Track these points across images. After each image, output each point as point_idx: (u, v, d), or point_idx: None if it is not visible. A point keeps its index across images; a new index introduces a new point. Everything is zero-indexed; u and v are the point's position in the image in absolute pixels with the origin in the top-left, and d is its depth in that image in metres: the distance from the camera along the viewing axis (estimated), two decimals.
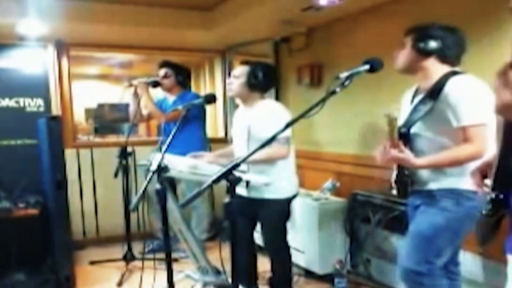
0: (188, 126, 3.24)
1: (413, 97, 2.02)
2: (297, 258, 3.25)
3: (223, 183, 1.58)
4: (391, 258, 2.91)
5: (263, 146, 1.63)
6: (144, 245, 3.23)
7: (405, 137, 1.90)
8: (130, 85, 3.63)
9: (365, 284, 3.07)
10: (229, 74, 2.66)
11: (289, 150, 2.50)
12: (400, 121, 2.01)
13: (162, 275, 2.41)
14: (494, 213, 1.31)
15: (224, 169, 1.57)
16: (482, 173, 1.50)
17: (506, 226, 1.36)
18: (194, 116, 3.53)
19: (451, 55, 1.90)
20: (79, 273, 3.38)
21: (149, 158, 2.43)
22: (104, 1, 3.43)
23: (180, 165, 2.43)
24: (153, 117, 3.81)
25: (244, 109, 2.66)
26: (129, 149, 3.47)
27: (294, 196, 2.61)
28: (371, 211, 2.98)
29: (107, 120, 6.37)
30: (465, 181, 1.73)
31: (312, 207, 3.19)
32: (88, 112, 6.86)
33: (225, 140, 4.81)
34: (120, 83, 6.75)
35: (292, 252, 2.73)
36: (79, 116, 6.26)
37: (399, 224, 2.68)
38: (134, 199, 2.14)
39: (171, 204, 2.58)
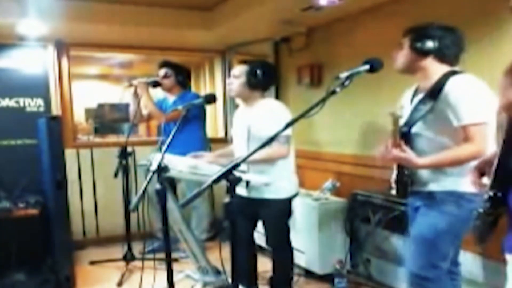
0: (188, 126, 3.24)
1: (413, 96, 2.02)
2: (297, 258, 3.25)
3: (223, 183, 1.58)
4: (391, 258, 2.92)
5: (263, 146, 1.63)
6: (144, 245, 3.23)
7: (406, 137, 1.90)
8: (130, 85, 3.63)
9: (365, 284, 3.07)
10: (229, 74, 2.66)
11: (289, 149, 2.50)
12: (400, 121, 2.01)
13: (162, 275, 2.41)
14: (492, 212, 1.32)
15: (224, 169, 1.57)
16: (480, 171, 1.50)
17: (503, 225, 1.36)
18: (194, 116, 3.53)
19: (450, 54, 1.90)
20: (79, 273, 3.38)
21: (149, 158, 2.43)
22: (104, 1, 3.43)
23: (180, 165, 2.43)
24: (153, 117, 3.81)
25: (244, 109, 2.66)
26: (129, 149, 3.47)
27: (294, 196, 2.61)
28: (371, 211, 2.99)
29: (107, 120, 6.38)
30: (465, 182, 1.73)
31: (312, 207, 3.19)
32: (88, 112, 6.87)
33: (225, 140, 4.81)
34: (120, 83, 6.75)
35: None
36: (79, 116, 6.26)
37: (399, 224, 2.69)
38: (134, 199, 2.13)
39: (171, 204, 2.59)
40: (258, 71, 2.49)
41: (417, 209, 2.01)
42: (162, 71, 3.72)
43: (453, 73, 1.86)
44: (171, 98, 3.79)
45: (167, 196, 2.24)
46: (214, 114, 5.12)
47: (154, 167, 2.17)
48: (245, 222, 2.63)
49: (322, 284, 3.14)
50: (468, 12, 2.46)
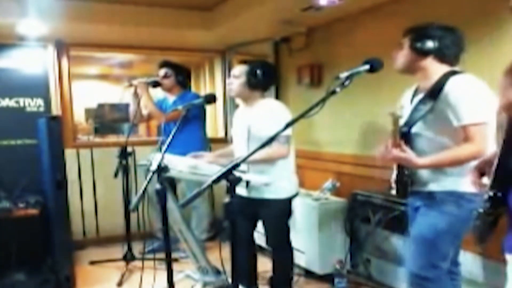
0: (188, 126, 3.24)
1: (413, 96, 2.02)
2: (297, 258, 3.25)
3: (223, 183, 1.58)
4: (391, 258, 2.92)
5: (263, 146, 1.63)
6: (144, 245, 3.23)
7: (406, 137, 1.90)
8: (130, 85, 3.63)
9: (365, 284, 3.07)
10: (229, 74, 2.66)
11: (289, 149, 2.50)
12: (400, 121, 2.01)
13: (162, 275, 2.41)
14: (492, 212, 1.32)
15: (224, 169, 1.57)
16: (480, 171, 1.50)
17: (503, 225, 1.36)
18: (194, 116, 3.53)
19: (450, 54, 1.90)
20: (79, 273, 3.38)
21: (149, 158, 2.43)
22: (104, 1, 3.43)
23: (180, 165, 2.43)
24: (153, 117, 3.81)
25: (244, 109, 2.66)
26: (129, 149, 3.47)
27: (294, 196, 2.61)
28: (371, 211, 2.99)
29: (107, 120, 6.38)
30: (465, 182, 1.73)
31: (312, 207, 3.19)
32: (88, 112, 6.87)
33: (225, 140, 4.81)
34: (120, 83, 6.75)
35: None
36: (79, 116, 6.26)
37: (399, 224, 2.69)
38: (134, 199, 2.14)
39: (171, 204, 2.59)
40: (258, 71, 2.49)
41: (417, 209, 2.01)
42: (162, 71, 3.72)
43: (453, 73, 1.86)
44: (171, 98, 3.79)
45: (167, 196, 2.24)
46: (214, 114, 5.12)
47: (154, 167, 2.17)
48: (245, 222, 2.63)
49: (322, 284, 3.14)
50: (468, 12, 2.46)
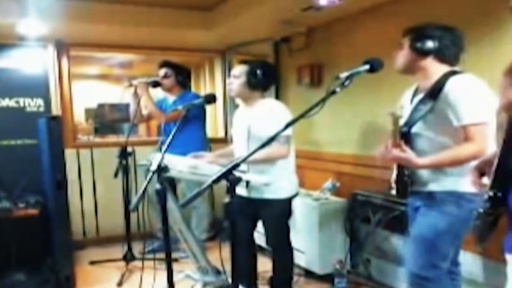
0: (188, 126, 3.24)
1: (413, 96, 2.02)
2: (297, 258, 3.25)
3: (223, 183, 1.58)
4: (391, 258, 2.92)
5: (263, 146, 1.63)
6: (144, 245, 3.23)
7: (406, 137, 1.90)
8: (130, 85, 3.63)
9: (365, 284, 3.07)
10: (229, 74, 2.66)
11: (289, 149, 2.50)
12: (400, 121, 2.01)
13: (162, 275, 2.41)
14: (492, 212, 1.32)
15: (224, 169, 1.57)
16: (480, 171, 1.50)
17: (503, 225, 1.36)
18: (194, 116, 3.53)
19: (450, 54, 1.90)
20: (79, 273, 3.38)
21: (149, 158, 2.43)
22: (104, 1, 3.43)
23: (180, 165, 2.43)
24: (153, 117, 3.81)
25: (244, 109, 2.66)
26: (129, 149, 3.46)
27: (294, 196, 2.61)
28: (371, 211, 2.99)
29: (107, 120, 6.38)
30: (465, 182, 1.73)
31: (312, 207, 3.19)
32: (88, 112, 6.86)
33: (225, 140, 4.81)
34: (120, 83, 6.75)
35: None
36: (79, 116, 6.26)
37: (399, 224, 2.69)
38: (134, 199, 2.14)
39: (171, 204, 2.59)
40: (258, 71, 2.49)
41: (417, 209, 2.01)
42: (162, 71, 3.72)
43: (453, 73, 1.86)
44: (171, 98, 3.79)
45: (167, 196, 2.24)
46: (214, 114, 5.12)
47: (154, 167, 2.17)
48: (245, 222, 2.63)
49: (322, 284, 3.14)
50: (468, 12, 2.46)
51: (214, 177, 1.56)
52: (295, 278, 3.09)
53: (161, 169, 2.17)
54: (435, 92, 1.85)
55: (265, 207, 2.54)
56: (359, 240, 3.13)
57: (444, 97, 1.81)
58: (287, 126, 1.68)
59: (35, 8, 3.16)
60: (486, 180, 1.44)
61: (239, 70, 2.55)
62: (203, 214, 3.90)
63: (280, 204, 2.55)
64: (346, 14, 3.32)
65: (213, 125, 5.16)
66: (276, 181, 2.42)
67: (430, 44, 1.87)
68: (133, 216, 3.36)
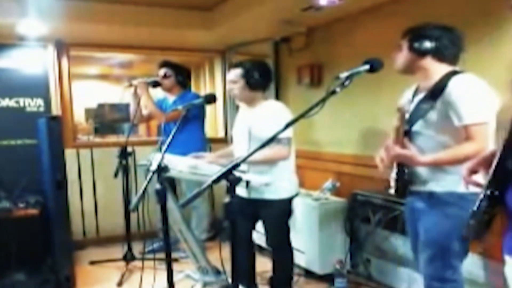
0: (188, 126, 3.24)
1: (413, 96, 2.02)
2: (297, 258, 3.24)
3: (223, 183, 1.58)
4: (391, 258, 2.92)
5: (262, 146, 1.63)
6: (144, 245, 3.23)
7: (406, 135, 1.90)
8: (130, 85, 3.63)
9: (365, 284, 3.07)
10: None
11: (290, 151, 2.50)
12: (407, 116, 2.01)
13: (162, 275, 2.41)
14: (489, 211, 1.31)
15: (224, 169, 1.57)
16: (473, 170, 1.49)
17: (499, 224, 1.36)
18: (194, 116, 3.53)
19: (449, 54, 1.90)
20: (79, 273, 3.38)
21: (149, 158, 2.43)
22: (104, 1, 3.43)
23: (180, 165, 2.43)
24: (153, 117, 3.81)
25: (246, 110, 2.66)
26: (129, 149, 3.47)
27: (294, 196, 2.61)
28: (371, 211, 2.99)
29: (107, 120, 6.37)
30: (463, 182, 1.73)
31: (312, 207, 3.19)
32: (88, 112, 6.86)
33: (225, 140, 4.81)
34: (120, 83, 6.75)
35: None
36: (79, 116, 6.26)
37: (399, 224, 2.69)
38: (134, 199, 2.14)
39: (171, 204, 2.59)
40: (254, 72, 2.49)
41: (416, 210, 2.00)
42: (162, 71, 3.72)
43: (455, 72, 1.86)
44: (171, 98, 3.79)
45: (167, 196, 2.24)
46: (214, 114, 5.12)
47: (154, 167, 2.17)
48: (244, 222, 2.63)
49: (322, 284, 3.14)
50: (468, 12, 2.46)
51: (214, 177, 1.56)
52: (295, 278, 3.09)
53: (161, 169, 2.17)
54: (436, 91, 1.84)
55: (265, 207, 2.54)
56: (359, 240, 3.13)
57: (446, 97, 1.81)
58: (287, 126, 1.68)
59: (35, 8, 3.16)
60: (479, 179, 1.44)
61: (235, 75, 2.53)
62: (203, 214, 3.90)
63: (280, 204, 2.55)
64: (346, 14, 3.32)
65: (213, 125, 5.16)
66: (276, 181, 2.42)
67: (428, 44, 1.87)
68: (133, 216, 3.35)
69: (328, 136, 3.72)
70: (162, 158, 2.15)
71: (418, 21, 1.95)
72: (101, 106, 6.50)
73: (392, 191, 2.01)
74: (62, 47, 4.05)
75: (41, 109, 3.98)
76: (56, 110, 4.03)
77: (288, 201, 2.58)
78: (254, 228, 2.74)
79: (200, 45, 4.58)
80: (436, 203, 1.90)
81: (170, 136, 2.15)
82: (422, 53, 1.89)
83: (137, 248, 3.60)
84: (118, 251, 3.68)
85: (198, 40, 4.30)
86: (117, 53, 4.94)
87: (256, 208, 2.56)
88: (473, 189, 1.54)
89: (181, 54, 4.77)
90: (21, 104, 3.93)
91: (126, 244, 3.60)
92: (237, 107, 2.88)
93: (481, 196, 1.33)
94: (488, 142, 1.74)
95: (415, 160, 1.80)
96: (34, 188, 3.41)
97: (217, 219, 4.36)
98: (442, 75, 1.87)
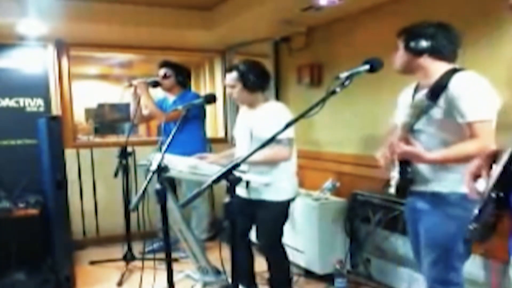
0: (188, 126, 3.23)
1: (414, 93, 2.01)
2: (297, 258, 3.25)
3: (223, 183, 1.58)
4: (391, 258, 2.92)
5: (262, 146, 1.63)
6: (144, 245, 3.23)
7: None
8: (130, 85, 3.63)
9: (365, 284, 3.07)
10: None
11: (291, 152, 2.48)
12: (397, 119, 2.01)
13: (162, 275, 2.40)
14: (495, 213, 1.31)
15: (224, 169, 1.57)
16: (475, 174, 1.48)
17: (503, 226, 1.35)
18: (194, 116, 3.53)
19: (446, 51, 1.88)
20: (79, 273, 3.38)
21: (149, 158, 2.43)
22: (104, 1, 3.43)
23: (180, 165, 2.43)
24: (154, 117, 3.81)
25: (247, 111, 2.66)
26: (129, 149, 3.47)
27: (293, 199, 2.60)
28: (371, 211, 2.99)
29: (107, 120, 6.37)
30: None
31: (312, 207, 3.19)
32: (88, 112, 6.86)
33: (225, 140, 4.81)
34: (120, 83, 6.75)
35: (292, 252, 2.72)
36: (79, 116, 6.25)
37: (399, 224, 2.69)
38: (134, 199, 2.14)
39: (171, 204, 2.59)
40: (250, 75, 2.48)
41: (417, 210, 1.99)
42: (162, 71, 3.72)
43: (455, 70, 1.85)
44: (171, 98, 3.79)
45: (167, 196, 2.24)
46: (214, 114, 5.12)
47: (154, 167, 2.17)
48: (244, 221, 2.62)
49: (322, 284, 3.14)
50: (468, 12, 2.46)
51: (214, 177, 1.56)
52: (295, 278, 3.10)
53: (161, 169, 2.17)
54: (439, 89, 1.83)
55: (263, 208, 2.53)
56: (359, 240, 3.13)
57: (449, 94, 1.79)
58: (287, 126, 1.68)
59: (35, 8, 3.16)
60: (480, 185, 1.43)
61: (231, 79, 2.53)
62: (203, 214, 3.90)
63: (278, 207, 2.53)
64: (346, 14, 3.32)
65: (213, 125, 5.16)
66: (276, 181, 2.42)
67: (424, 43, 1.86)
68: (133, 216, 3.36)
69: (328, 136, 3.72)
70: (162, 158, 2.15)
71: (418, 21, 1.95)
72: (101, 106, 6.50)
73: (392, 190, 1.98)
74: (62, 47, 4.05)
75: (41, 109, 3.98)
76: (56, 110, 4.03)
77: (286, 204, 2.56)
78: (251, 228, 2.73)
79: (200, 45, 4.58)
80: (438, 203, 1.88)
81: (170, 136, 2.15)
82: (419, 52, 1.88)
83: (137, 248, 3.60)
84: (118, 251, 3.68)
85: (198, 40, 4.30)
86: (117, 53, 4.94)
87: (254, 209, 2.56)
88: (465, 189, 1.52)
89: (181, 54, 4.77)
90: (21, 104, 3.93)
91: (126, 244, 3.60)
92: (237, 108, 2.88)
93: (484, 198, 1.33)
94: (492, 140, 1.73)
95: (423, 157, 1.77)
96: (34, 188, 3.41)
97: (217, 219, 4.36)
98: (442, 73, 1.86)
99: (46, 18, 3.32)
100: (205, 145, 3.77)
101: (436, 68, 1.88)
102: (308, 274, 3.26)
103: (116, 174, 3.38)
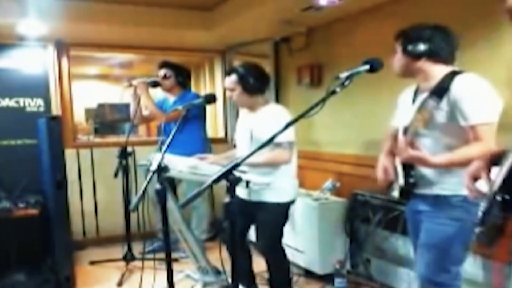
0: (188, 126, 3.23)
1: (414, 96, 2.00)
2: (297, 258, 3.25)
3: (223, 183, 1.58)
4: (391, 258, 2.92)
5: (262, 147, 1.63)
6: (144, 245, 3.23)
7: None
8: (130, 85, 3.63)
9: (365, 284, 3.07)
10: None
11: (292, 155, 2.48)
12: (397, 121, 2.01)
13: (162, 275, 2.40)
14: (502, 215, 1.30)
15: (224, 169, 1.57)
16: (474, 176, 1.47)
17: (510, 228, 1.35)
18: (194, 116, 3.53)
19: (444, 54, 1.88)
20: (79, 273, 3.38)
21: (149, 158, 2.43)
22: (104, 1, 3.43)
23: (180, 165, 2.43)
24: (154, 117, 3.81)
25: (247, 113, 2.66)
26: (129, 149, 3.47)
27: (293, 201, 2.59)
28: (371, 211, 2.99)
29: (107, 120, 6.38)
30: None
31: (312, 207, 3.19)
32: (88, 112, 6.86)
33: (225, 140, 4.81)
34: (120, 83, 6.74)
35: (292, 252, 2.72)
36: (79, 116, 6.25)
37: (399, 224, 2.69)
38: (134, 199, 2.14)
39: (171, 204, 2.59)
40: (249, 78, 2.48)
41: (418, 212, 1.98)
42: (162, 72, 3.72)
43: (455, 72, 1.85)
44: (171, 98, 3.79)
45: (167, 196, 2.24)
46: (214, 114, 5.12)
47: (154, 167, 2.17)
48: (243, 222, 2.62)
49: (322, 284, 3.14)
50: (467, 14, 2.46)
51: (214, 177, 1.56)
52: (295, 278, 3.10)
53: (161, 169, 2.17)
54: (440, 92, 1.81)
55: (262, 210, 2.52)
56: (359, 240, 3.13)
57: (451, 97, 1.79)
58: (287, 126, 1.68)
59: (35, 8, 3.17)
60: (481, 186, 1.43)
61: (231, 82, 2.53)
62: (203, 214, 3.91)
63: (278, 208, 2.53)
64: (346, 14, 3.33)
65: (213, 125, 5.16)
66: (276, 182, 2.42)
67: (421, 46, 1.85)
68: (133, 216, 3.37)
69: (328, 136, 3.72)
70: (162, 158, 2.15)
71: (418, 22, 1.95)
72: (101, 106, 6.50)
73: (395, 193, 1.98)
74: (62, 47, 4.05)
75: (41, 109, 3.98)
76: (56, 110, 4.03)
77: (286, 206, 2.56)
78: (249, 228, 2.73)
79: (200, 45, 4.59)
80: (441, 206, 1.87)
81: (170, 136, 2.15)
82: (417, 56, 1.87)
83: (137, 248, 3.60)
84: (118, 251, 3.68)
85: (198, 40, 4.30)
86: (117, 53, 4.94)
87: (254, 210, 2.55)
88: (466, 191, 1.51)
89: (181, 54, 4.77)
90: (21, 104, 3.93)
91: (126, 244, 3.60)
92: (237, 111, 2.88)
93: (488, 201, 1.32)
94: (494, 142, 1.73)
95: (429, 161, 1.75)
96: (34, 188, 3.41)
97: (217, 219, 4.36)
98: (443, 76, 1.85)
99: (46, 18, 3.32)
100: (205, 145, 3.77)
101: (436, 71, 1.87)
102: (308, 274, 3.26)
103: (116, 174, 3.38)
